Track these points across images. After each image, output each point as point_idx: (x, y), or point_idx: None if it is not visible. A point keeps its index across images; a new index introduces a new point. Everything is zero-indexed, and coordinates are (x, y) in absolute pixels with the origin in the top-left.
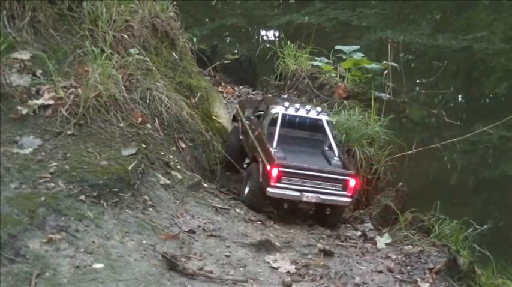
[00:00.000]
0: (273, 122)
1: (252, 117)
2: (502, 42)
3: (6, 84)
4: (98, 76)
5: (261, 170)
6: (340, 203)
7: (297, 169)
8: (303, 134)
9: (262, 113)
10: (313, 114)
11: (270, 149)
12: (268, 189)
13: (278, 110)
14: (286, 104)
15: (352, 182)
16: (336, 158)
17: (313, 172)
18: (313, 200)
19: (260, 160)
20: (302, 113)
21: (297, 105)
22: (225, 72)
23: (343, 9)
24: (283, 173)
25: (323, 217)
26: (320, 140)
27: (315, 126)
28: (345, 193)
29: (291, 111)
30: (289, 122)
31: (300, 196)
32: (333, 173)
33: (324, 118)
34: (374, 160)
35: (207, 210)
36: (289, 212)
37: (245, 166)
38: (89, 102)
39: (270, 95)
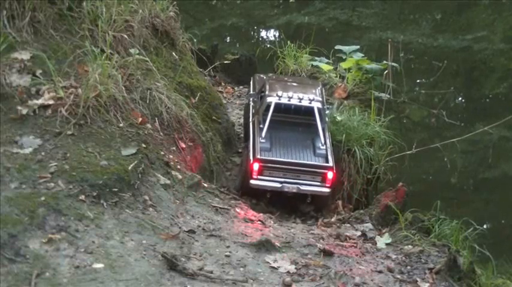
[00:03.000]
0: (268, 109)
1: (256, 99)
2: (502, 42)
3: (6, 84)
4: (98, 76)
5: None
6: (319, 194)
7: (276, 164)
8: (298, 118)
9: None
10: (305, 102)
11: (258, 140)
12: (251, 181)
13: (271, 99)
14: (280, 93)
15: (330, 175)
16: (322, 147)
17: (293, 165)
18: (294, 191)
19: (249, 149)
20: (295, 101)
21: (290, 94)
22: (225, 72)
23: (343, 9)
24: (264, 167)
25: (307, 204)
26: (314, 124)
27: (309, 111)
28: (323, 184)
29: (284, 99)
30: (284, 108)
31: (281, 187)
32: (312, 166)
33: (315, 105)
34: (374, 160)
35: (207, 210)
36: (289, 212)
37: None
38: (89, 102)
39: (273, 77)
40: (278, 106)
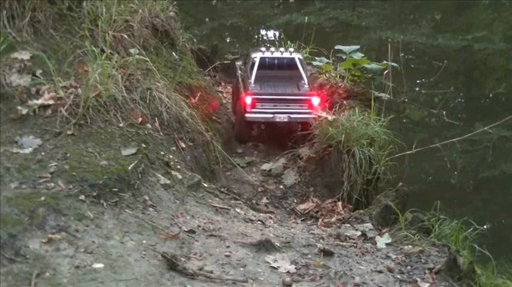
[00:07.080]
0: (254, 65)
1: (242, 67)
2: (502, 42)
3: (6, 84)
4: (98, 76)
5: (241, 102)
6: (308, 120)
7: (267, 95)
8: (282, 73)
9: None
10: (286, 55)
11: (248, 85)
12: (246, 115)
13: (256, 55)
14: (263, 49)
15: (314, 100)
16: (305, 86)
17: (281, 96)
18: (286, 120)
19: (240, 94)
20: (277, 54)
21: (272, 49)
22: (225, 72)
23: (343, 9)
24: (256, 100)
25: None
26: (297, 76)
27: (291, 65)
28: (311, 110)
29: (267, 54)
30: (269, 64)
31: (273, 118)
32: (298, 94)
33: (296, 56)
34: (374, 160)
35: (207, 210)
36: (289, 212)
37: None
38: (89, 102)
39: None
40: (263, 62)
